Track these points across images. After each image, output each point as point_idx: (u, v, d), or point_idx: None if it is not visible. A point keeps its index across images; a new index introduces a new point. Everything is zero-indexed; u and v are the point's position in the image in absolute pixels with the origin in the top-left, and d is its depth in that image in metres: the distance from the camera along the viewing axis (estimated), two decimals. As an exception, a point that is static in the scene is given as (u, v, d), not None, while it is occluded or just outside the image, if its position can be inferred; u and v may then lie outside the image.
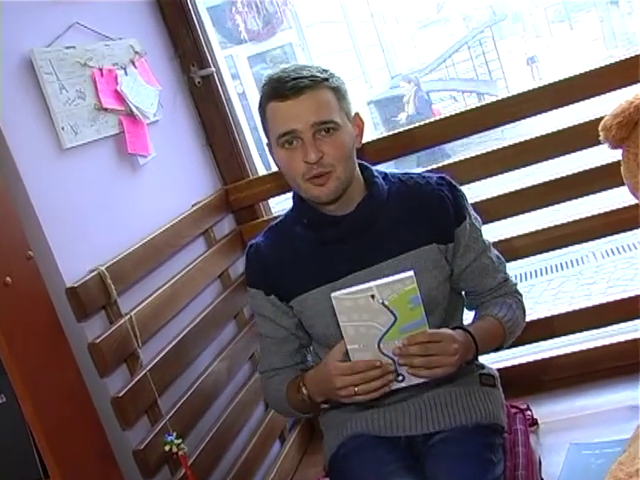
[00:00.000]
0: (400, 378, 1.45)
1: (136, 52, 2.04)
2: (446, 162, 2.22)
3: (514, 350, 2.24)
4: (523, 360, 2.29)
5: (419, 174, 1.73)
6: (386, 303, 1.37)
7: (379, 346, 1.42)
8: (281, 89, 1.53)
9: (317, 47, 10.52)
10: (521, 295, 1.76)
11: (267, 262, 1.71)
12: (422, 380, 1.46)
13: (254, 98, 9.08)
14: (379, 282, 1.38)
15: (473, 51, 11.97)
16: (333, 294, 1.39)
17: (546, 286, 5.07)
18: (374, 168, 1.71)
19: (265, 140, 1.64)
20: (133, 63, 2.01)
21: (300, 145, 1.55)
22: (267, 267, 1.70)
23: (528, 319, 1.78)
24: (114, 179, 1.88)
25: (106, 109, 1.86)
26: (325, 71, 1.58)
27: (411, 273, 1.37)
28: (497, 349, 1.71)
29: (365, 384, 1.45)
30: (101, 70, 1.87)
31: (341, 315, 1.40)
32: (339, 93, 1.58)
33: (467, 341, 1.55)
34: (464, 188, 1.75)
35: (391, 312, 1.38)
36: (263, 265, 1.71)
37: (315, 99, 1.53)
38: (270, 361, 1.77)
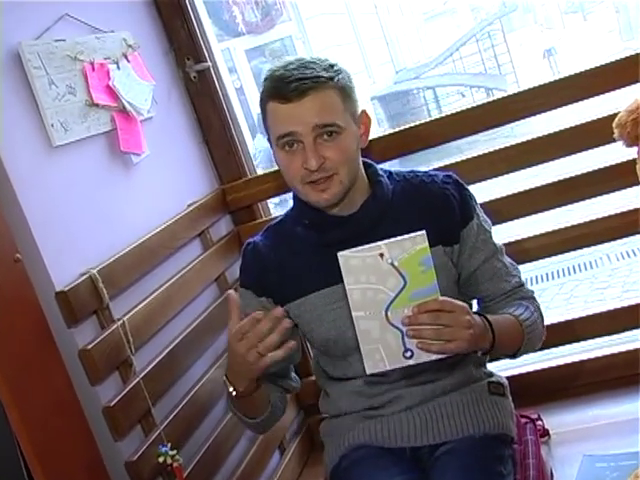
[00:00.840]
0: (408, 354, 1.40)
1: (129, 45, 2.04)
2: (452, 160, 2.22)
3: (524, 357, 2.24)
4: (534, 367, 2.29)
5: (425, 172, 1.73)
6: (395, 264, 1.35)
7: (387, 314, 1.38)
8: (283, 90, 1.53)
9: (318, 40, 10.54)
10: (538, 302, 1.73)
11: (265, 262, 1.71)
12: (433, 357, 1.40)
13: (252, 93, 9.10)
14: (389, 240, 1.36)
15: (482, 44, 11.97)
16: (340, 252, 1.37)
17: (558, 290, 5.07)
18: (378, 166, 1.71)
19: (266, 136, 1.65)
20: (126, 57, 2.02)
21: (300, 149, 1.54)
22: (264, 267, 1.71)
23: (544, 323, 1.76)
24: (106, 178, 1.88)
25: (98, 105, 1.86)
26: (332, 67, 1.57)
27: (423, 232, 1.35)
28: (513, 355, 1.68)
29: (263, 342, 1.42)
30: (92, 64, 1.88)
31: (347, 276, 1.37)
32: (345, 92, 1.57)
33: (483, 324, 1.50)
34: (471, 188, 1.75)
35: (400, 275, 1.36)
36: (260, 265, 1.71)
37: (318, 101, 1.53)
38: None
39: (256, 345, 1.44)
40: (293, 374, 1.82)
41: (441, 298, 1.40)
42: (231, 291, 1.55)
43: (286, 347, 1.45)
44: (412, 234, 1.36)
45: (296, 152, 1.55)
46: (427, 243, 1.35)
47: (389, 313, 1.39)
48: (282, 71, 1.55)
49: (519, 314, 1.63)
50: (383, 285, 1.37)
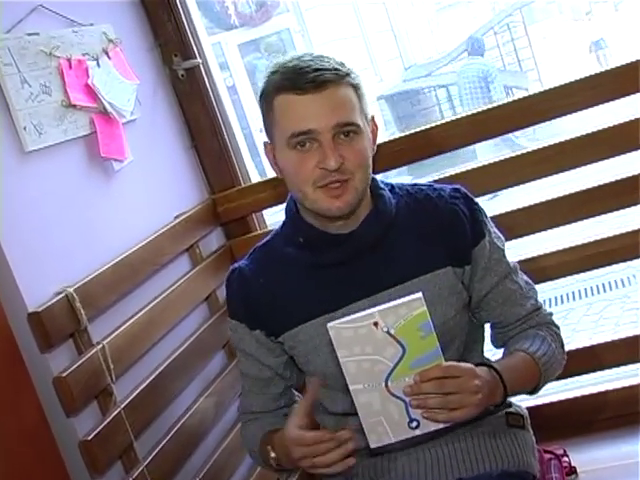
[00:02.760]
0: (414, 424, 1.43)
1: (110, 40, 2.05)
2: (468, 167, 2.23)
3: (547, 385, 2.24)
4: (558, 397, 2.29)
5: (430, 185, 1.73)
6: (392, 332, 1.36)
7: (387, 385, 1.40)
8: (299, 80, 1.52)
9: (319, 33, 10.56)
10: (558, 327, 1.74)
11: (251, 290, 1.70)
12: (440, 426, 1.43)
13: (246, 92, 9.12)
14: (382, 307, 1.37)
15: (500, 37, 11.98)
16: (329, 324, 1.38)
17: (586, 311, 5.07)
18: (379, 179, 1.71)
19: (263, 140, 1.64)
20: (106, 53, 2.03)
21: (315, 148, 1.54)
22: (252, 296, 1.70)
23: (565, 349, 1.76)
24: (85, 187, 1.89)
25: (75, 106, 1.87)
26: (343, 64, 1.58)
27: (419, 295, 1.36)
28: (530, 392, 1.68)
29: (321, 456, 1.45)
30: (69, 61, 1.89)
31: (340, 349, 1.39)
32: (360, 91, 1.59)
33: (493, 380, 1.52)
34: (485, 198, 1.75)
35: (398, 343, 1.37)
36: (246, 294, 1.71)
37: (337, 96, 1.53)
38: (250, 403, 1.78)
39: (312, 457, 1.46)
40: (296, 393, 1.84)
41: (445, 364, 1.41)
42: (314, 378, 1.59)
43: (344, 464, 1.46)
44: (407, 298, 1.37)
45: (309, 152, 1.54)
46: (425, 307, 1.36)
47: (389, 383, 1.40)
48: (296, 62, 1.55)
49: (534, 350, 1.64)
50: (380, 355, 1.39)
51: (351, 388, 1.41)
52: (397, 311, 1.36)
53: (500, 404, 1.56)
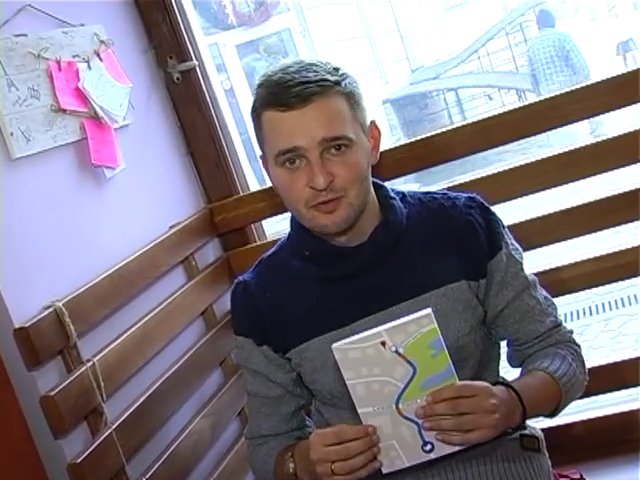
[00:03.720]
0: (428, 447, 1.42)
1: (102, 41, 2.06)
2: (478, 175, 2.23)
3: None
4: (574, 419, 2.28)
5: (444, 193, 1.73)
6: (401, 351, 1.36)
7: (398, 407, 1.40)
8: (283, 96, 1.52)
9: (321, 34, 10.58)
10: (579, 346, 1.73)
11: (258, 304, 1.70)
12: (456, 448, 1.43)
13: (244, 95, 9.13)
14: (390, 325, 1.36)
15: (512, 38, 12.00)
16: (334, 345, 1.37)
17: (604, 327, 5.06)
18: (389, 187, 1.70)
19: (259, 152, 1.64)
20: (98, 55, 2.04)
21: (304, 165, 1.53)
22: (258, 311, 1.70)
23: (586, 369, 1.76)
24: (75, 196, 1.90)
25: (65, 111, 1.88)
26: (336, 70, 1.56)
27: (428, 310, 1.36)
28: (550, 415, 1.68)
29: (342, 461, 1.43)
30: (59, 63, 1.90)
31: (347, 371, 1.38)
32: (353, 99, 1.57)
33: (510, 399, 1.50)
34: (499, 207, 1.75)
35: (408, 362, 1.37)
36: (253, 308, 1.71)
37: (325, 109, 1.52)
38: (259, 426, 1.77)
39: (333, 460, 1.44)
40: (307, 419, 1.83)
41: (459, 383, 1.41)
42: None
43: (371, 467, 1.44)
44: (416, 315, 1.36)
45: (299, 169, 1.54)
46: (435, 324, 1.36)
47: (400, 405, 1.40)
48: (280, 74, 1.54)
49: (554, 370, 1.63)
50: (389, 376, 1.38)
51: (360, 411, 1.41)
52: (406, 329, 1.35)
53: (519, 426, 1.55)
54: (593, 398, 2.25)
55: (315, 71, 1.54)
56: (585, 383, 1.72)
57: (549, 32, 9.36)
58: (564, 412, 2.23)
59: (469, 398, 1.41)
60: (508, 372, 1.80)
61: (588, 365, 1.71)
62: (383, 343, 1.36)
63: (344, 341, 1.38)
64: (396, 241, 1.64)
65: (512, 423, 1.51)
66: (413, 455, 1.43)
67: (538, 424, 1.87)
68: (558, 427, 2.25)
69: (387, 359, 1.37)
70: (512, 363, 1.77)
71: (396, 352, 1.36)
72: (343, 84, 1.55)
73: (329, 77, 1.54)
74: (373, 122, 1.64)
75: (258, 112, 1.58)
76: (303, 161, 1.53)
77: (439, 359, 1.38)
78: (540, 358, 1.67)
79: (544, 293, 1.74)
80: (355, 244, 1.63)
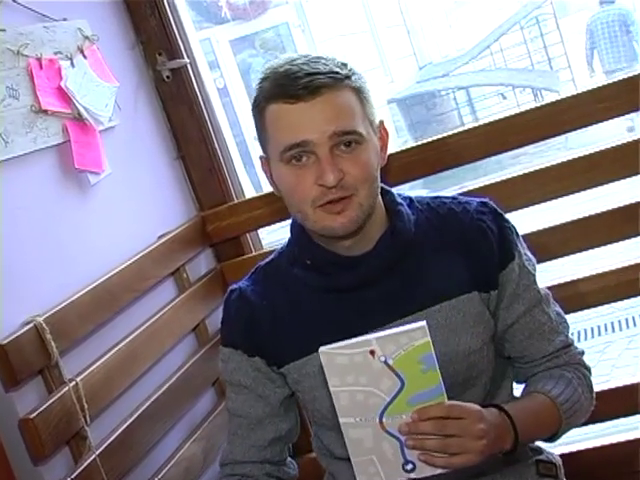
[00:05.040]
0: (409, 467, 1.43)
1: (86, 37, 2.07)
2: (492, 180, 2.24)
3: (584, 429, 2.22)
4: (594, 443, 2.28)
5: (454, 198, 1.73)
6: (390, 362, 1.37)
7: (381, 421, 1.40)
8: (291, 87, 1.52)
9: (322, 28, 10.60)
10: (588, 369, 1.74)
11: (254, 312, 1.71)
12: (438, 471, 1.43)
13: (239, 94, 9.15)
14: (381, 334, 1.37)
15: (528, 32, 12.01)
16: (322, 348, 1.38)
17: (627, 344, 5.05)
18: (396, 192, 1.71)
19: (259, 153, 1.65)
20: (82, 52, 2.04)
21: (312, 162, 1.54)
22: (253, 319, 1.71)
23: (604, 387, 1.76)
24: (57, 203, 1.90)
25: (46, 111, 1.88)
26: (344, 65, 1.57)
27: (422, 323, 1.36)
28: (548, 439, 1.68)
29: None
30: (40, 60, 1.90)
31: (332, 377, 1.40)
32: (363, 95, 1.58)
33: (501, 424, 1.51)
34: (514, 215, 1.75)
35: (396, 375, 1.38)
36: (248, 316, 1.71)
37: (335, 102, 1.53)
38: (230, 450, 1.77)
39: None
40: (289, 459, 1.83)
41: (448, 403, 1.41)
42: None
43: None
44: (409, 326, 1.37)
45: (306, 166, 1.54)
46: (428, 337, 1.36)
47: (384, 419, 1.41)
48: (287, 66, 1.55)
49: (557, 394, 1.63)
50: (375, 387, 1.39)
51: (341, 421, 1.42)
52: (397, 340, 1.36)
53: (510, 451, 1.54)
54: (616, 421, 2.25)
55: (324, 63, 1.55)
56: (591, 409, 1.72)
57: (610, 8, 9.87)
58: (584, 436, 2.25)
59: (457, 420, 1.41)
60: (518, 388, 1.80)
61: (609, 385, 1.72)
62: (372, 352, 1.37)
63: (332, 345, 1.39)
64: (404, 250, 1.64)
65: (501, 448, 1.51)
66: (393, 473, 1.43)
67: (556, 449, 1.87)
68: (578, 452, 2.25)
69: (374, 369, 1.38)
70: (516, 379, 1.78)
71: (385, 363, 1.37)
72: (353, 78, 1.57)
73: (339, 70, 1.55)
74: (382, 122, 1.65)
75: (261, 107, 1.58)
76: (311, 157, 1.54)
77: (429, 375, 1.38)
78: (544, 379, 1.68)
79: (557, 309, 1.75)
80: (360, 253, 1.63)
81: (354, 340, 1.38)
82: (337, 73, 1.54)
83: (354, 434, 1.42)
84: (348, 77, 1.56)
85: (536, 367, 1.72)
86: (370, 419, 1.41)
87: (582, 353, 1.75)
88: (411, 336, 1.36)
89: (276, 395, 1.73)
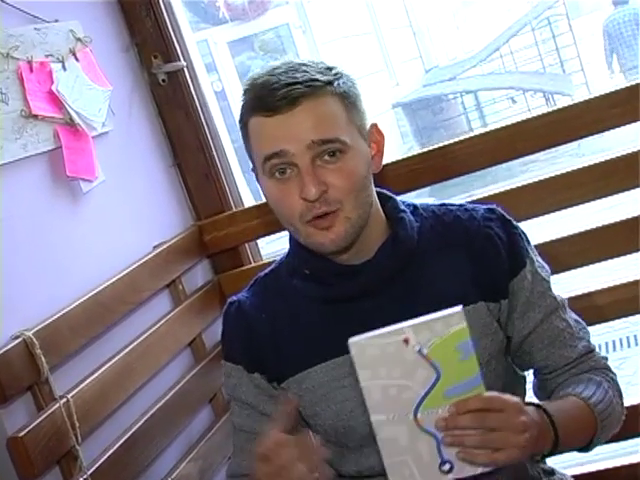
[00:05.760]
0: (447, 467, 1.38)
1: (78, 39, 2.07)
2: (501, 188, 2.24)
3: (598, 449, 2.22)
4: (611, 464, 2.28)
5: (460, 205, 1.74)
6: (425, 352, 1.34)
7: (416, 416, 1.37)
8: (268, 99, 1.54)
9: (324, 30, 10.61)
10: (615, 374, 1.73)
11: (253, 326, 1.71)
12: (479, 470, 1.39)
13: (237, 98, 9.16)
14: (415, 321, 1.35)
15: (539, 34, 12.02)
16: (351, 339, 1.36)
17: (643, 361, 5.05)
18: (399, 199, 1.71)
19: (250, 165, 1.66)
20: (74, 54, 2.05)
21: (295, 175, 1.54)
22: (253, 333, 1.71)
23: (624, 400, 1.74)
24: (48, 212, 1.90)
25: (37, 116, 1.89)
26: (329, 70, 1.58)
27: (459, 308, 1.34)
28: (584, 448, 1.66)
29: (288, 472, 1.42)
30: (30, 63, 1.90)
31: (363, 370, 1.36)
32: (348, 100, 1.58)
33: (542, 421, 1.48)
34: (525, 225, 1.75)
35: (432, 366, 1.35)
36: (247, 330, 1.72)
37: (314, 111, 1.53)
38: (239, 464, 1.77)
39: (280, 474, 1.43)
40: None
41: (487, 394, 1.38)
42: (291, 395, 1.58)
43: (324, 477, 1.44)
44: (445, 312, 1.35)
45: (289, 180, 1.55)
46: (465, 323, 1.34)
47: (419, 415, 1.37)
48: (266, 77, 1.56)
49: (589, 395, 1.62)
50: (410, 380, 1.36)
51: (373, 419, 1.38)
52: (432, 327, 1.34)
53: (549, 454, 1.53)
54: (632, 441, 2.24)
55: (304, 71, 1.55)
56: (622, 417, 1.70)
57: (625, 8, 10.18)
58: (597, 456, 2.23)
59: (498, 412, 1.38)
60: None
61: (626, 403, 1.70)
62: (406, 340, 1.34)
63: (362, 336, 1.36)
64: (406, 258, 1.65)
65: (542, 448, 1.49)
66: (429, 474, 1.39)
67: (568, 470, 1.86)
68: (590, 474, 2.24)
69: (409, 360, 1.35)
70: (539, 395, 1.77)
71: (419, 352, 1.34)
72: (336, 84, 1.57)
73: (319, 77, 1.55)
74: (374, 125, 1.65)
75: (244, 121, 1.60)
76: (294, 170, 1.54)
77: (467, 365, 1.36)
78: (573, 384, 1.66)
79: (574, 316, 1.75)
80: (360, 262, 1.64)
81: (386, 329, 1.35)
82: (316, 80, 1.54)
83: (387, 433, 1.39)
84: (330, 83, 1.56)
85: (560, 376, 1.70)
86: (404, 415, 1.37)
87: (606, 359, 1.74)
88: (447, 322, 1.34)
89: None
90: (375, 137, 1.65)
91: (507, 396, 1.42)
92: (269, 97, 1.53)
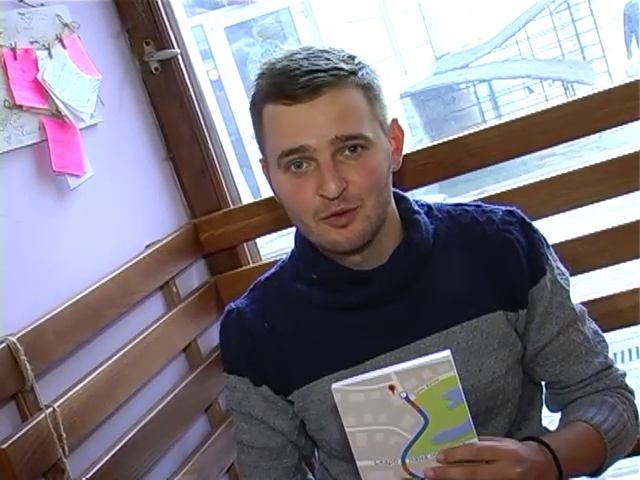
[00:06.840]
0: None
1: (65, 25, 2.08)
2: (516, 184, 2.24)
3: (615, 466, 2.22)
4: None
5: (478, 205, 1.73)
6: (412, 398, 1.36)
7: (404, 462, 1.40)
8: (288, 87, 1.52)
9: (327, 14, 10.61)
10: (632, 393, 1.73)
11: (254, 336, 1.71)
12: None
13: (234, 88, 9.16)
14: (401, 367, 1.36)
15: (558, 18, 12.00)
16: (334, 385, 1.37)
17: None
18: (412, 199, 1.71)
19: (259, 155, 1.65)
20: (61, 41, 2.05)
21: (313, 170, 1.53)
22: (255, 344, 1.71)
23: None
24: (32, 209, 1.91)
25: (21, 107, 1.89)
26: (352, 59, 1.56)
27: (447, 353, 1.35)
28: (592, 474, 1.67)
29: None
30: (14, 51, 1.91)
31: (347, 416, 1.38)
32: (371, 92, 1.57)
33: (543, 462, 1.50)
34: (541, 223, 1.74)
35: (419, 412, 1.37)
36: (249, 341, 1.71)
37: (338, 103, 1.52)
38: None
39: None
40: (308, 473, 1.84)
41: (478, 443, 1.39)
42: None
43: None
44: (432, 358, 1.36)
45: (306, 174, 1.54)
46: (454, 371, 1.35)
47: (407, 460, 1.40)
48: (285, 62, 1.54)
49: (600, 422, 1.62)
50: (397, 425, 1.38)
51: (359, 465, 1.41)
52: (419, 374, 1.35)
53: None
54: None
55: (327, 59, 1.54)
56: (637, 437, 1.71)
57: None
58: (614, 471, 2.23)
59: (491, 464, 1.40)
60: (553, 422, 1.79)
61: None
62: (392, 387, 1.36)
63: (346, 381, 1.38)
64: (421, 264, 1.64)
65: None
66: None
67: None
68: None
69: (395, 406, 1.37)
70: (550, 407, 1.78)
71: (406, 399, 1.36)
72: (360, 74, 1.56)
73: (343, 66, 1.54)
74: (395, 120, 1.65)
75: (258, 107, 1.58)
76: (312, 164, 1.53)
77: (456, 412, 1.37)
78: (585, 406, 1.67)
79: (594, 327, 1.74)
80: (372, 267, 1.63)
81: (371, 375, 1.37)
82: (341, 69, 1.53)
83: (374, 478, 1.41)
84: (354, 73, 1.55)
85: (573, 393, 1.71)
86: (392, 461, 1.40)
87: (624, 375, 1.74)
88: (435, 369, 1.35)
89: (290, 425, 1.74)
90: (395, 133, 1.64)
91: (501, 445, 1.44)
92: (289, 84, 1.52)
